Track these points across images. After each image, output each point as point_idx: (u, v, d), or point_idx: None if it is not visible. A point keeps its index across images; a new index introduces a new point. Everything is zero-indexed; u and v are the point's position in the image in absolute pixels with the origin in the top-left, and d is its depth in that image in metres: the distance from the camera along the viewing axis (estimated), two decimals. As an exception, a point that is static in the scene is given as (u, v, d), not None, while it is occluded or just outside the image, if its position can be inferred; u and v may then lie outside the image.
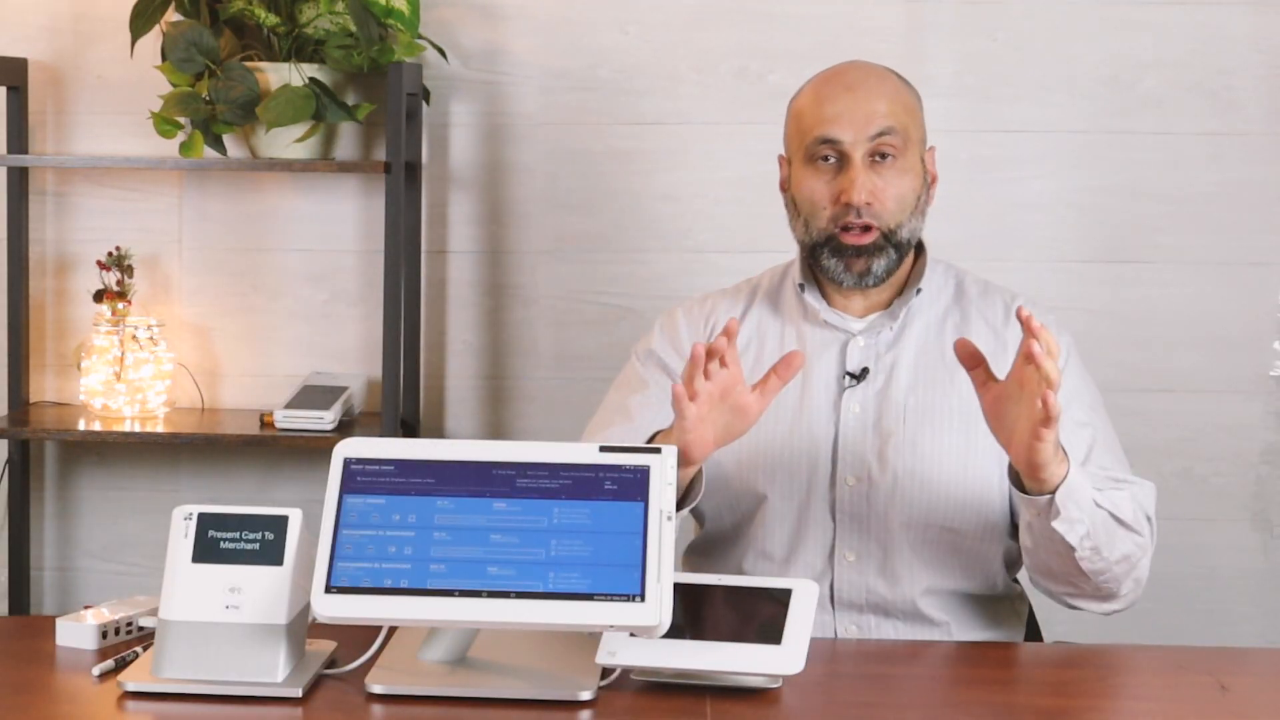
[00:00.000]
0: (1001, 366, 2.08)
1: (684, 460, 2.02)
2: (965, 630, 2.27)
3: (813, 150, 2.27)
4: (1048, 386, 1.92)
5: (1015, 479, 2.07)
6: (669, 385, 2.23)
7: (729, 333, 2.03)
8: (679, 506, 2.09)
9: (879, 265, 2.26)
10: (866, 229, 2.24)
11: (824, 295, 2.33)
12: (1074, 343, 2.35)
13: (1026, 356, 1.95)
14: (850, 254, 2.26)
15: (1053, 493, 2.03)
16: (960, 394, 2.24)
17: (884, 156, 2.25)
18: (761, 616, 1.92)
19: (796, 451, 2.27)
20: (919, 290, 2.31)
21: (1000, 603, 2.32)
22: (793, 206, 2.32)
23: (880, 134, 2.24)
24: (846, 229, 2.25)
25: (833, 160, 2.26)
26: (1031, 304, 2.27)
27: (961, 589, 2.27)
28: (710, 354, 2.01)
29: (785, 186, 2.34)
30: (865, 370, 2.27)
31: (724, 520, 2.32)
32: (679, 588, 1.90)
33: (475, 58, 3.28)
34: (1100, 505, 2.11)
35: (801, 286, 2.33)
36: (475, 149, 3.29)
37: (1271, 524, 3.29)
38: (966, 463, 2.24)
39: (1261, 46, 3.21)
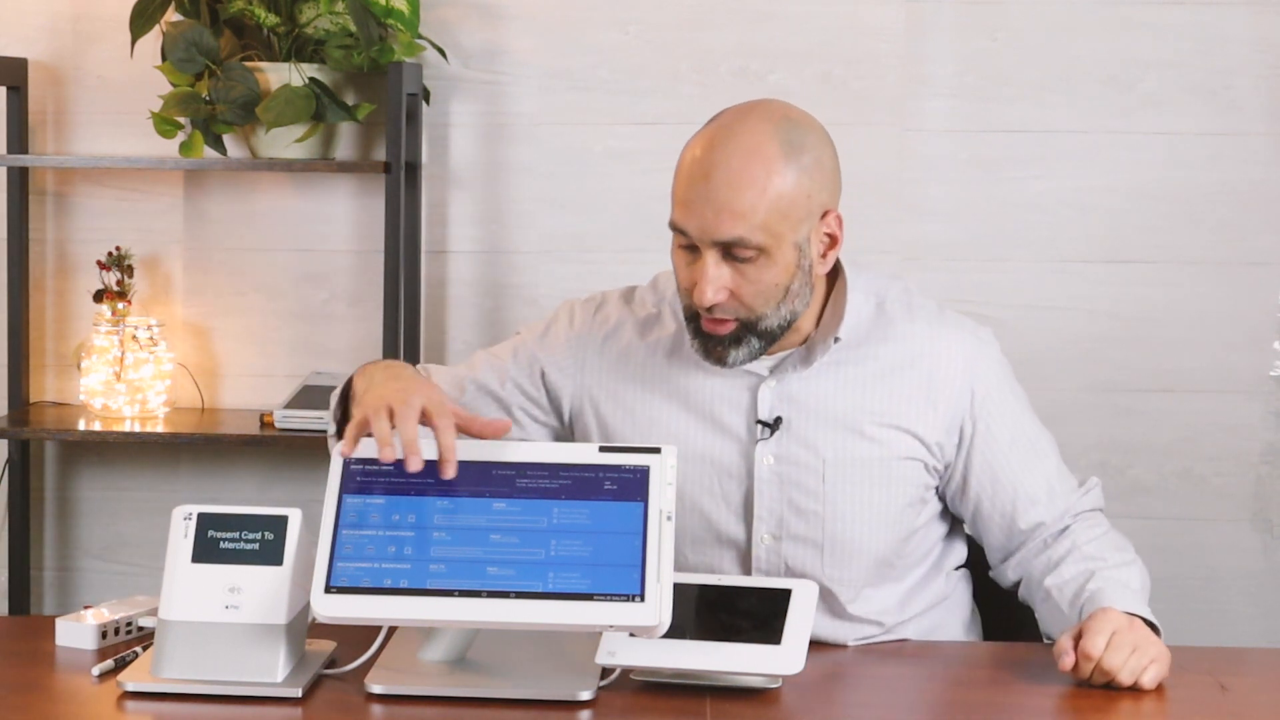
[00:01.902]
0: (920, 394, 2.10)
1: None
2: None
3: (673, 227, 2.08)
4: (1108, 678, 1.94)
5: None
6: (517, 379, 2.21)
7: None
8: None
9: (738, 355, 2.07)
10: (723, 320, 2.07)
11: None
12: (999, 348, 2.20)
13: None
14: (707, 340, 2.08)
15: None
16: (879, 440, 2.13)
17: (739, 259, 2.03)
18: (761, 616, 1.92)
19: (708, 508, 2.15)
20: (837, 339, 2.12)
21: (931, 612, 2.24)
22: None
23: (728, 243, 2.02)
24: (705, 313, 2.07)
25: (688, 246, 2.06)
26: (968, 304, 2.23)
27: (889, 636, 2.18)
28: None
29: None
30: (779, 419, 2.12)
31: None
32: (679, 588, 1.90)
33: (475, 58, 3.28)
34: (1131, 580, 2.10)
35: None
36: (475, 149, 3.29)
37: (1271, 524, 3.29)
38: (886, 514, 2.14)
39: (1261, 46, 3.21)
